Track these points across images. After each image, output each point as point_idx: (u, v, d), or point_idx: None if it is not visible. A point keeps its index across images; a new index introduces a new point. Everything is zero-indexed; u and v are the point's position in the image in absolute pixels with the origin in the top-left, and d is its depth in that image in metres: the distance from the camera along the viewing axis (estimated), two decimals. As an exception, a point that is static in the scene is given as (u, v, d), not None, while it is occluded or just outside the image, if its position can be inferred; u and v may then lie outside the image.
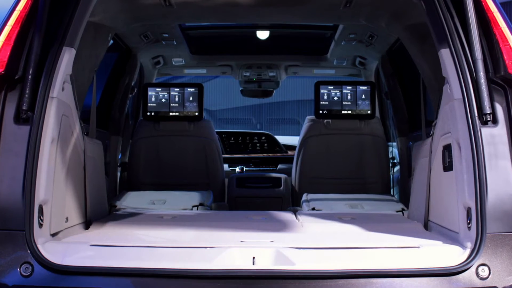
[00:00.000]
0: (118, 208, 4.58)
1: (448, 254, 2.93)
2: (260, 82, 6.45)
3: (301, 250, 2.96)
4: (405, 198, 5.18)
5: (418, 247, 3.03)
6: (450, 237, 3.22)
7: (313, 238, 3.40)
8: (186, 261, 2.86)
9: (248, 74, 6.29)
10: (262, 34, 5.80)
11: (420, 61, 4.26)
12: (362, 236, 3.50)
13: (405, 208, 4.63)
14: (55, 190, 3.15)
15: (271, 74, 6.28)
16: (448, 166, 3.34)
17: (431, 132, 3.74)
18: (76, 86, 3.77)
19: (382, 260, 2.90)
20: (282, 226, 3.74)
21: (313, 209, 4.67)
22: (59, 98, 3.15)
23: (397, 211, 4.59)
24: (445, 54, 3.18)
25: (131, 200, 4.85)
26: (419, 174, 4.00)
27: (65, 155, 3.37)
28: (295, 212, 4.26)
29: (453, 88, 3.14)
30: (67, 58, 3.17)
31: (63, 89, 3.22)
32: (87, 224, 3.73)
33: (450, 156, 3.29)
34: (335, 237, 3.48)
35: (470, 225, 2.94)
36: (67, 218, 3.41)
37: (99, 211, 4.07)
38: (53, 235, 3.16)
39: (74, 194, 3.53)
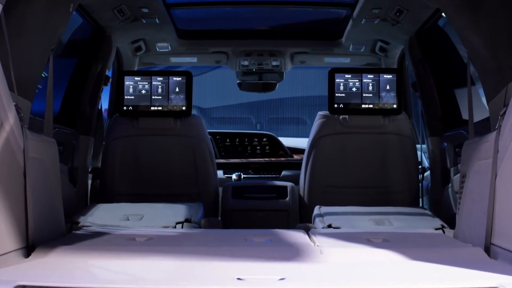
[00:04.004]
0: (81, 226, 3.62)
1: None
2: (261, 74, 5.49)
3: (326, 294, 2.00)
4: (438, 212, 4.23)
5: (498, 288, 2.07)
6: (537, 271, 2.26)
7: (340, 273, 2.43)
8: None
9: (246, 63, 5.31)
10: (264, 14, 4.84)
11: (470, 36, 3.31)
12: (409, 269, 2.52)
13: (445, 225, 3.71)
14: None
15: (274, 63, 5.31)
16: (529, 171, 2.38)
17: (497, 124, 2.78)
18: (24, 66, 2.94)
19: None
20: (293, 253, 2.77)
21: (330, 226, 3.72)
22: None
23: (435, 229, 3.64)
24: None
25: (100, 215, 3.90)
26: (474, 182, 3.04)
27: (-12, 154, 2.39)
28: (307, 231, 3.32)
29: None
30: None
31: None
32: (28, 250, 2.75)
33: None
34: (371, 270, 2.49)
35: None
36: (-7, 244, 2.44)
37: (51, 231, 3.11)
38: (-33, 269, 2.20)
39: (6, 209, 2.56)
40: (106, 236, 3.21)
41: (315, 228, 3.84)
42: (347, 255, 2.75)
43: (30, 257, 2.69)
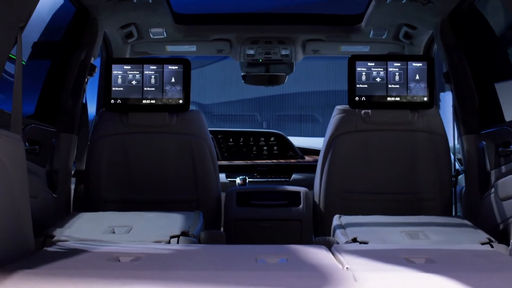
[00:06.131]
0: (56, 241, 3.02)
1: None
2: (269, 65, 4.88)
3: None
4: (475, 222, 3.64)
5: None
6: None
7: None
8: None
9: (252, 52, 4.71)
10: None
11: None
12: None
13: (492, 239, 3.11)
14: None
15: (283, 52, 4.71)
16: None
17: None
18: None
19: None
20: (318, 280, 2.17)
21: (355, 240, 3.10)
22: None
23: (481, 243, 3.05)
24: None
25: (80, 227, 3.30)
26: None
27: None
28: (329, 247, 2.72)
29: None
30: None
31: None
32: (-22, 276, 2.15)
33: None
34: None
35: None
36: None
37: (13, 248, 2.53)
38: None
39: None
40: (83, 254, 2.60)
41: (337, 243, 3.23)
42: (389, 283, 2.14)
43: (-22, 286, 2.10)
